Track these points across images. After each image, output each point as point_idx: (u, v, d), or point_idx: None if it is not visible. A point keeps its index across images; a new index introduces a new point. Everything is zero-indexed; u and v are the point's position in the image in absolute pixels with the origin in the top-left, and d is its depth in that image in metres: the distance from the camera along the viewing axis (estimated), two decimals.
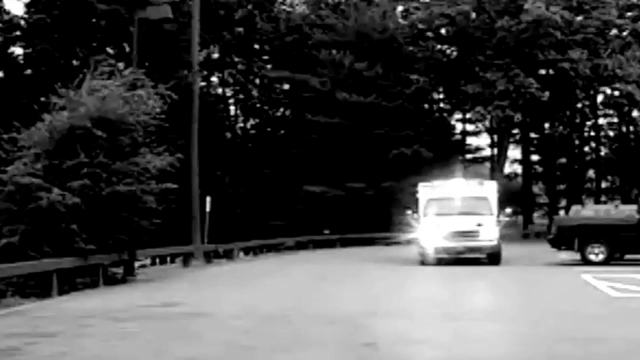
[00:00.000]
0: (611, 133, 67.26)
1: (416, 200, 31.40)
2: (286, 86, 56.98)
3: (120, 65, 23.99)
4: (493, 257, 28.06)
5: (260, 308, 15.95)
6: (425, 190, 30.70)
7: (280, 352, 11.00)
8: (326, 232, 45.77)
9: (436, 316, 14.61)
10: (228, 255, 34.04)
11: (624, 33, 57.94)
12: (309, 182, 46.85)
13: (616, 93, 54.71)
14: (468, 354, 10.85)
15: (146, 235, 23.15)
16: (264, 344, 11.67)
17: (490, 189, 30.89)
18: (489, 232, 28.01)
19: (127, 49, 42.06)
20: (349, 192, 46.65)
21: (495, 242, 27.96)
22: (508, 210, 33.46)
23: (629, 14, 58.34)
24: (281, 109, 58.86)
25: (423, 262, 28.31)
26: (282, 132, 56.42)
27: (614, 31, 55.41)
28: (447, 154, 54.04)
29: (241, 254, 35.81)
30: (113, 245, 21.72)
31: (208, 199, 33.56)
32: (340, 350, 11.08)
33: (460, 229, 28.03)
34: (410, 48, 52.04)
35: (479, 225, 27.99)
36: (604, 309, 15.51)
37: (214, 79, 57.97)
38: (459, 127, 63.56)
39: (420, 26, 52.20)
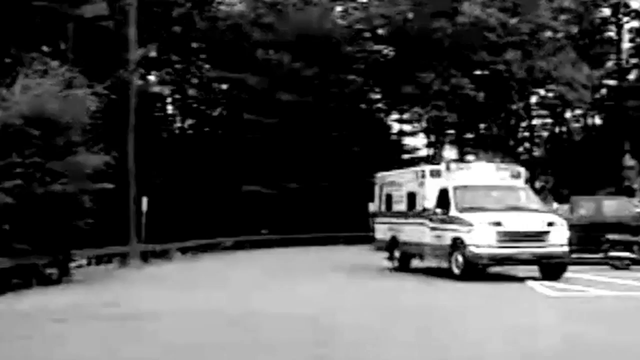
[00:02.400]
0: (545, 134, 68.30)
1: (387, 195, 27.35)
2: (224, 86, 56.77)
3: (55, 63, 23.64)
4: (558, 268, 21.73)
5: (198, 307, 15.92)
6: (433, 177, 24.32)
7: (228, 351, 10.99)
8: (264, 232, 45.76)
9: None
10: (165, 255, 33.86)
11: (558, 35, 58.97)
12: (247, 182, 46.77)
13: (550, 94, 55.56)
14: None
15: (82, 235, 22.93)
16: (208, 342, 11.62)
17: (522, 177, 25.55)
18: (560, 235, 21.65)
19: (63, 47, 41.51)
20: (287, 192, 46.71)
21: (566, 248, 21.68)
22: (556, 205, 29.01)
23: (562, 16, 59.38)
24: (219, 109, 58.61)
25: (451, 271, 22.09)
26: (220, 131, 56.20)
27: (548, 33, 56.35)
28: (384, 154, 54.43)
29: (178, 254, 35.64)
30: (48, 246, 21.46)
31: (144, 198, 33.34)
32: (292, 349, 11.13)
33: (526, 228, 21.51)
34: (349, 48, 52.27)
35: (551, 224, 21.75)
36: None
37: (152, 77, 57.49)
38: (396, 127, 63.94)
39: (359, 26, 52.47)
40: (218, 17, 52.79)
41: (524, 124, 65.90)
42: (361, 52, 52.62)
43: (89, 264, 28.71)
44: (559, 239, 21.56)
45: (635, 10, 63.27)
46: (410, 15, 51.07)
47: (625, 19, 63.87)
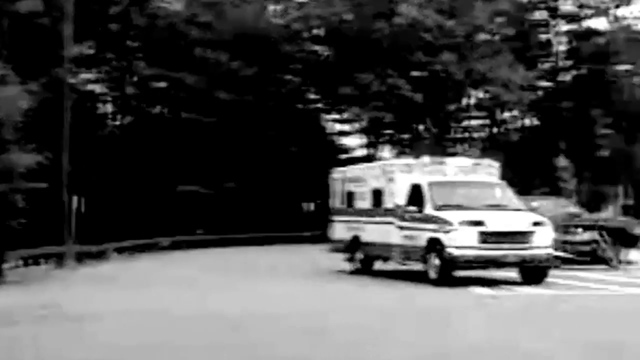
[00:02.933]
0: (482, 134, 69.05)
1: (348, 192, 25.56)
2: (162, 84, 56.28)
3: None
4: (541, 272, 20.47)
5: (139, 308, 15.84)
6: (403, 173, 22.56)
7: (172, 352, 10.96)
8: (200, 232, 45.59)
9: None
10: (102, 255, 33.56)
11: (494, 37, 59.72)
12: (185, 181, 46.53)
13: (486, 96, 56.20)
14: None
15: (15, 235, 22.62)
16: (151, 343, 11.54)
17: (497, 173, 23.63)
18: (545, 236, 20.30)
19: None
20: (224, 192, 46.60)
21: (551, 250, 20.53)
22: (535, 204, 26.43)
23: (498, 19, 60.14)
24: (157, 107, 58.09)
25: (430, 278, 20.31)
26: (158, 130, 55.73)
27: (484, 35, 57.04)
28: (321, 154, 54.61)
29: (115, 254, 35.34)
30: None
31: (74, 197, 32.89)
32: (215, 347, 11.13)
33: (510, 228, 20.06)
34: (287, 48, 52.28)
35: (536, 224, 20.34)
36: None
37: (88, 75, 56.77)
38: (333, 127, 64.05)
39: (296, 26, 52.51)
40: (156, 15, 52.30)
41: (460, 125, 66.56)
42: (299, 52, 52.66)
43: (25, 264, 28.30)
44: (544, 240, 20.19)
45: (568, 14, 64.40)
46: (348, 16, 51.23)
47: (560, 21, 64.99)
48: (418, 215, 20.99)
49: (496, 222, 19.94)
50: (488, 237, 19.61)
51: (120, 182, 49.07)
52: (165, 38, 50.60)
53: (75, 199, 32.88)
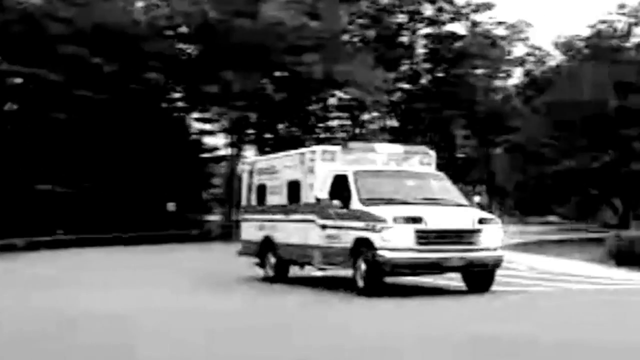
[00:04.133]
0: (343, 135, 69.88)
1: (258, 186, 22.36)
2: (18, 80, 54.42)
3: None
4: (486, 278, 18.05)
5: None
6: (325, 162, 19.29)
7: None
8: (60, 232, 44.33)
9: None
10: None
11: (355, 39, 60.54)
12: (42, 180, 45.13)
13: (347, 96, 56.84)
14: None
15: None
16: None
17: (432, 162, 20.68)
18: (494, 236, 17.60)
19: None
20: (85, 191, 45.50)
21: (501, 253, 17.91)
22: (478, 198, 23.31)
23: (360, 20, 61.04)
24: (13, 104, 56.09)
25: (358, 288, 17.36)
26: (13, 127, 53.83)
27: (346, 37, 57.74)
28: (184, 153, 54.08)
29: None
30: None
31: None
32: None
33: (453, 226, 17.29)
34: (150, 45, 51.42)
35: (483, 222, 17.55)
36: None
37: None
38: (196, 126, 63.50)
39: (161, 23, 51.75)
40: (13, 9, 50.38)
41: (322, 125, 67.15)
42: (163, 50, 51.92)
43: None
44: (492, 240, 17.51)
45: (429, 18, 65.92)
46: (212, 14, 50.81)
47: (420, 25, 66.46)
48: (343, 211, 17.89)
49: (437, 219, 17.06)
50: (427, 237, 16.74)
51: None
52: (22, 33, 48.84)
53: None
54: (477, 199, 22.29)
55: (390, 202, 17.64)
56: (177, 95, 59.84)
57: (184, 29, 54.55)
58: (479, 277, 17.90)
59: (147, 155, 48.14)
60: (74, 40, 47.64)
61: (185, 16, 50.61)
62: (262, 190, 22.06)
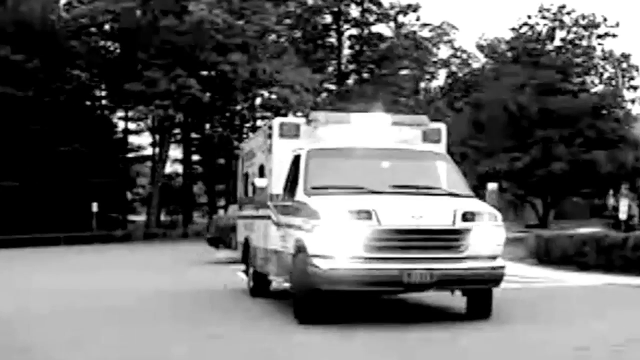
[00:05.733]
0: None
1: (245, 174, 17.81)
2: None
3: None
4: (482, 299, 12.55)
5: None
6: (285, 138, 14.35)
7: None
8: None
9: None
10: None
11: (282, 39, 60.58)
12: None
13: (273, 96, 56.82)
14: None
15: None
16: None
17: (442, 138, 14.92)
18: (487, 239, 12.06)
19: None
20: (5, 191, 44.61)
21: (500, 263, 12.19)
22: (492, 185, 14.05)
23: (287, 20, 61.07)
24: None
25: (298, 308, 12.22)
26: None
27: (272, 36, 57.73)
28: (108, 152, 53.44)
29: None
30: None
31: None
32: None
33: (420, 224, 11.74)
34: (73, 43, 50.74)
35: (470, 218, 11.95)
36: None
37: None
38: (121, 125, 62.90)
39: (84, 21, 51.07)
40: None
41: (247, 125, 67.05)
42: (86, 47, 51.25)
43: None
44: (486, 245, 11.93)
45: (354, 19, 66.26)
46: (138, 13, 50.35)
47: (346, 26, 66.77)
48: (288, 203, 13.17)
49: (396, 213, 11.71)
50: (382, 240, 11.49)
51: None
52: None
53: None
54: None
55: (344, 190, 12.51)
56: (101, 93, 59.21)
57: (107, 27, 53.95)
58: (474, 297, 12.56)
59: (71, 153, 47.40)
60: None
61: (109, 14, 49.97)
62: (247, 179, 17.65)
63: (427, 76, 76.98)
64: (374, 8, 65.63)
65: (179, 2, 48.85)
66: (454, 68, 79.39)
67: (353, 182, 12.83)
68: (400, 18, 68.25)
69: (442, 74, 79.58)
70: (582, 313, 13.58)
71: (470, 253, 11.90)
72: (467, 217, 11.94)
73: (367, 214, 11.55)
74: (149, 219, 55.71)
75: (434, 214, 11.96)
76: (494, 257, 12.09)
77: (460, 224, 11.85)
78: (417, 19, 69.73)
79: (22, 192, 45.42)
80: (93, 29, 53.09)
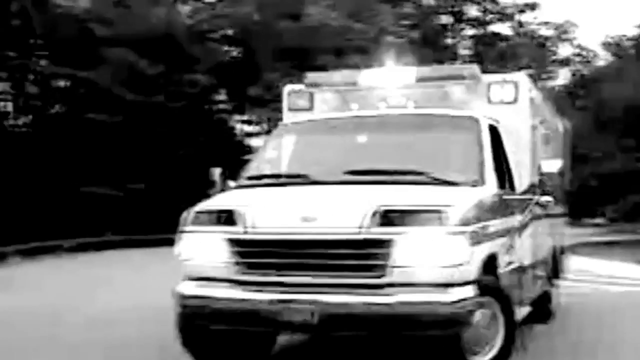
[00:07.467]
0: None
1: None
2: (64, 82, 55.13)
3: None
4: (438, 350, 8.04)
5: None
6: (293, 111, 11.90)
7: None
8: (108, 233, 44.82)
9: None
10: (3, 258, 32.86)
11: (400, 40, 60.49)
12: (90, 182, 45.61)
13: None
14: None
15: None
16: None
17: (520, 96, 10.39)
18: (429, 254, 7.41)
19: None
20: (132, 193, 45.93)
21: (464, 292, 7.57)
22: (557, 163, 10.39)
23: (405, 22, 60.93)
24: (59, 107, 56.82)
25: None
26: (60, 130, 54.57)
27: (390, 38, 57.74)
28: (227, 155, 54.34)
29: (17, 257, 34.49)
30: None
31: None
32: None
33: (303, 231, 7.86)
34: (195, 48, 51.83)
35: (391, 221, 7.55)
36: None
37: None
38: (240, 128, 63.83)
39: (205, 26, 52.14)
40: (59, 12, 51.08)
41: None
42: (207, 52, 52.32)
43: None
44: (428, 264, 7.53)
45: (475, 18, 65.62)
46: (256, 17, 51.15)
47: (464, 26, 66.16)
48: None
49: (279, 214, 8.31)
50: (252, 255, 8.19)
51: (20, 183, 47.94)
52: (69, 36, 49.50)
53: None
54: None
55: (274, 181, 9.78)
56: (221, 97, 60.30)
57: (228, 32, 54.91)
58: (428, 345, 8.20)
59: (193, 156, 48.51)
60: (119, 43, 48.15)
61: (229, 19, 50.86)
62: None
63: (545, 75, 75.56)
64: (492, 8, 64.94)
65: (297, 6, 49.33)
66: (575, 66, 77.76)
67: (303, 168, 9.67)
68: (519, 17, 67.31)
69: (562, 73, 78.04)
70: None
71: (395, 278, 7.57)
72: (391, 218, 7.62)
73: (229, 217, 8.34)
74: None
75: (336, 214, 7.87)
76: (445, 285, 7.57)
77: (373, 230, 7.61)
78: (535, 18, 68.67)
79: (148, 195, 46.73)
80: (214, 34, 54.10)
